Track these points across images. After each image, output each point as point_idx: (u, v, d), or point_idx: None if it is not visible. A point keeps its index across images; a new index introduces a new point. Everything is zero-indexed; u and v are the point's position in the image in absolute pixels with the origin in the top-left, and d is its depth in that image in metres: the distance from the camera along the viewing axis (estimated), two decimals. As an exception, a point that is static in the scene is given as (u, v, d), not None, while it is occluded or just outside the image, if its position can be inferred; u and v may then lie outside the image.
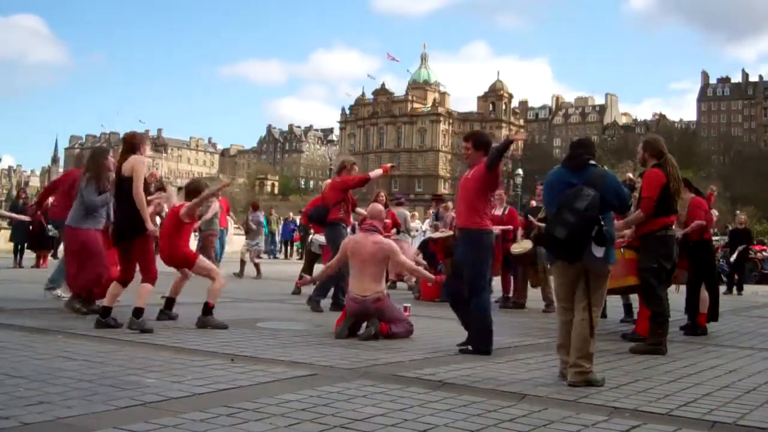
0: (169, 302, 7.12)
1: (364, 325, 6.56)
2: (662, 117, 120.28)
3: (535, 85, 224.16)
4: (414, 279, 12.95)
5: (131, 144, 6.73)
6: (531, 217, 10.41)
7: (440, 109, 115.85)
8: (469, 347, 5.85)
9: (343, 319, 6.74)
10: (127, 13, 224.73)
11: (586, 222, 4.55)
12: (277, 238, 29.76)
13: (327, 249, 11.62)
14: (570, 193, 4.65)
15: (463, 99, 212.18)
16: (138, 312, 6.35)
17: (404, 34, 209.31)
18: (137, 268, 6.66)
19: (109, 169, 7.19)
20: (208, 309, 6.79)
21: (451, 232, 11.23)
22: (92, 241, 7.26)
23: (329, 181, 11.86)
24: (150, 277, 6.55)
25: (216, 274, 7.03)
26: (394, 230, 11.61)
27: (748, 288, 17.64)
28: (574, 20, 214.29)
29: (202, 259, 7.18)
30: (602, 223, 4.63)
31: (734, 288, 16.83)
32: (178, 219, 6.95)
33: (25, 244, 16.45)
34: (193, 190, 7.20)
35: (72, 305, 7.35)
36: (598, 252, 4.64)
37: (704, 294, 7.98)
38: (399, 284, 13.69)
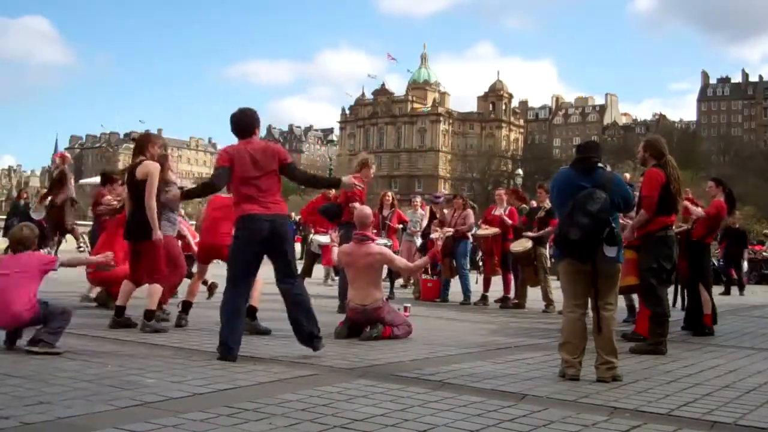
0: (186, 306, 6.99)
1: (368, 327, 6.57)
2: (662, 117, 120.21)
3: (540, 86, 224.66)
4: (412, 280, 12.95)
5: (139, 145, 6.78)
6: (530, 233, 10.35)
7: (440, 109, 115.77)
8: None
9: (344, 320, 6.74)
10: (135, 14, 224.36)
11: (599, 223, 4.73)
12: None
13: (326, 249, 11.65)
14: (582, 195, 4.81)
15: (469, 99, 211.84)
16: (149, 314, 6.35)
17: (410, 35, 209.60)
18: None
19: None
20: (253, 312, 6.66)
21: (449, 232, 11.24)
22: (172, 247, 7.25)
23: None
24: (159, 277, 6.56)
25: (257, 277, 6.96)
26: (399, 225, 11.58)
27: (747, 288, 17.65)
28: (579, 22, 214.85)
29: None
30: (612, 224, 4.80)
31: (730, 289, 16.82)
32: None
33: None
34: None
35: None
36: (610, 252, 4.83)
37: (705, 295, 7.98)
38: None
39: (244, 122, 5.48)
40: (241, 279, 5.36)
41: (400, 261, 7.23)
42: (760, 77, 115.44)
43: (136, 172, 6.55)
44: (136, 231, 6.55)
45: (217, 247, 6.88)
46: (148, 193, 6.42)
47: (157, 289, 6.50)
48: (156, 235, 6.43)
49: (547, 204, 9.90)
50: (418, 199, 14.05)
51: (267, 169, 5.34)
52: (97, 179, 9.68)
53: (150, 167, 6.51)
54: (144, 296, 6.60)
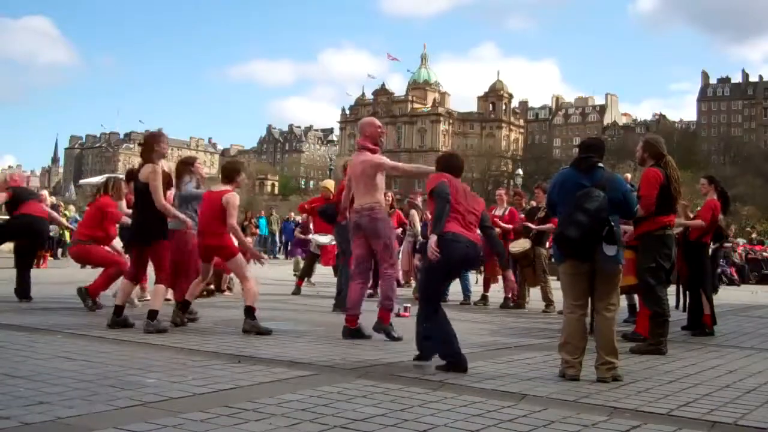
0: (185, 305, 6.95)
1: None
2: (662, 117, 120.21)
3: (542, 86, 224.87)
4: (412, 280, 12.92)
5: (149, 144, 6.64)
6: (530, 224, 10.35)
7: (440, 109, 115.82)
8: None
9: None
10: (136, 14, 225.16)
11: (598, 222, 4.74)
12: (277, 238, 29.82)
13: (326, 249, 11.63)
14: (581, 194, 4.82)
15: (471, 100, 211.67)
16: (152, 314, 6.34)
17: (412, 35, 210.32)
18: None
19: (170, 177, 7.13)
20: (251, 312, 6.54)
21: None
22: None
23: (329, 180, 11.83)
24: (164, 277, 6.55)
25: (250, 276, 6.84)
26: (399, 229, 11.55)
27: (747, 288, 17.68)
28: (581, 22, 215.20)
29: (242, 257, 6.98)
30: (612, 223, 4.80)
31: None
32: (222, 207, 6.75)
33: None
34: (230, 171, 7.07)
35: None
36: (610, 251, 4.82)
37: (705, 297, 7.96)
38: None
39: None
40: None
41: (395, 163, 7.39)
42: (760, 77, 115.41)
43: (139, 175, 6.56)
44: (141, 235, 6.58)
45: (211, 247, 6.84)
46: (156, 199, 6.40)
47: (161, 289, 6.50)
48: (183, 221, 6.66)
49: (547, 204, 9.89)
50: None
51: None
52: (97, 179, 9.68)
53: (149, 169, 6.48)
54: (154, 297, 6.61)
